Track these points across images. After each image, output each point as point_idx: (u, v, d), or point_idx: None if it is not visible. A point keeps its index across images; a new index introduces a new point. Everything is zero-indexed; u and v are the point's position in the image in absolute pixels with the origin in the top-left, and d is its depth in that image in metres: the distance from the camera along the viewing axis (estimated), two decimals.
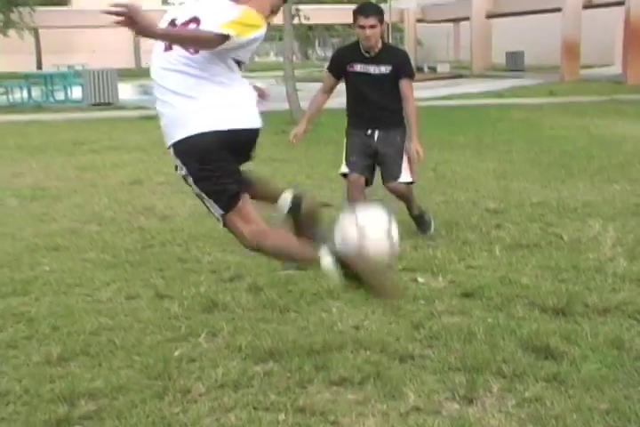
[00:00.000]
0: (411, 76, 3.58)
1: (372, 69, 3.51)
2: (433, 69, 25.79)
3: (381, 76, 3.50)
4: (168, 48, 2.30)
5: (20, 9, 24.20)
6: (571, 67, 19.37)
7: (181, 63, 2.24)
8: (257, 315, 2.71)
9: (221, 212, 2.29)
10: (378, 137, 3.61)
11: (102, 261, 3.46)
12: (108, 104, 13.42)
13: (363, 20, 3.41)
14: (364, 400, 2.06)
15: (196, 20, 2.26)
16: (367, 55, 3.53)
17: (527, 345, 2.36)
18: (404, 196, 3.69)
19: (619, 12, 18.79)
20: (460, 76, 22.69)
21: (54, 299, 2.94)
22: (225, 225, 2.33)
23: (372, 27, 3.41)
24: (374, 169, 3.70)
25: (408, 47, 29.28)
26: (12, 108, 13.51)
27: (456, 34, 31.32)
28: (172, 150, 2.29)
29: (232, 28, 2.13)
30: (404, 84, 3.53)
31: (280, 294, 2.92)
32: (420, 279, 3.09)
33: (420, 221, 3.81)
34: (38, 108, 13.35)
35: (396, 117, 3.60)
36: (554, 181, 5.26)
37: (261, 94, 2.52)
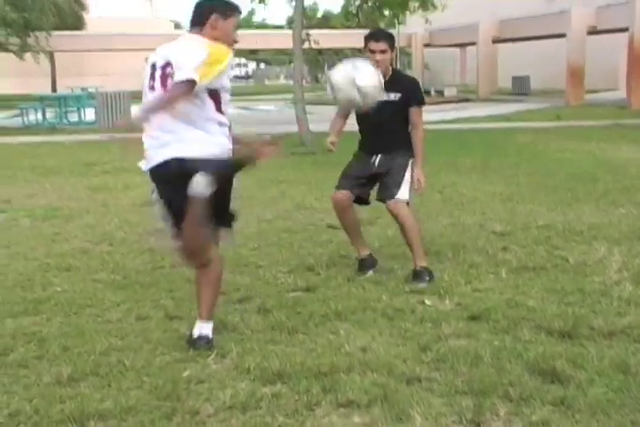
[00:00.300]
0: (420, 103, 3.55)
1: (382, 96, 3.46)
2: (440, 93, 26.03)
3: (391, 103, 3.48)
4: (152, 88, 2.64)
5: (37, 33, 24.81)
6: (576, 91, 19.53)
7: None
8: (265, 336, 2.73)
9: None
10: (379, 161, 3.55)
11: (113, 282, 3.50)
12: None
13: (373, 45, 3.43)
14: (371, 423, 2.07)
15: (169, 64, 2.58)
16: None
17: (534, 368, 2.37)
18: (402, 217, 3.44)
19: (623, 37, 19.00)
20: (467, 100, 22.88)
21: (65, 319, 2.98)
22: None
23: (383, 52, 3.42)
24: (370, 187, 3.61)
25: (415, 71, 29.65)
26: (27, 129, 13.76)
27: (463, 58, 31.66)
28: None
29: (198, 72, 2.49)
30: (413, 111, 3.51)
31: (288, 315, 2.94)
32: (428, 302, 3.11)
33: (414, 273, 3.43)
34: (52, 129, 13.59)
35: (403, 144, 3.54)
36: (560, 204, 5.29)
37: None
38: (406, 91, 3.50)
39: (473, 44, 26.13)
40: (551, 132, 11.69)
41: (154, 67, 2.64)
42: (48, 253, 4.08)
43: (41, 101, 15.39)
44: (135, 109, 2.64)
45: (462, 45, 29.75)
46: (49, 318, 2.98)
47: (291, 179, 6.69)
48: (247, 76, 59.96)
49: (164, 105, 2.53)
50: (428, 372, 2.38)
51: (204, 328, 2.67)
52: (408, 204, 3.50)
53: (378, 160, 3.57)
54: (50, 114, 15.06)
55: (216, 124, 2.65)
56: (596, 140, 10.03)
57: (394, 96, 3.48)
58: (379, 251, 3.99)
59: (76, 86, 21.01)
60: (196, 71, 2.49)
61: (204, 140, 2.62)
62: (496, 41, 25.42)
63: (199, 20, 2.70)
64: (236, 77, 65.75)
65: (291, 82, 13.27)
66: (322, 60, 42.69)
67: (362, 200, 3.64)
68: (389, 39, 3.47)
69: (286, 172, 7.13)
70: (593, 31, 20.17)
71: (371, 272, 3.58)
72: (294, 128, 10.00)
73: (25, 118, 14.70)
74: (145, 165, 2.70)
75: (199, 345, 2.63)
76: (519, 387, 2.23)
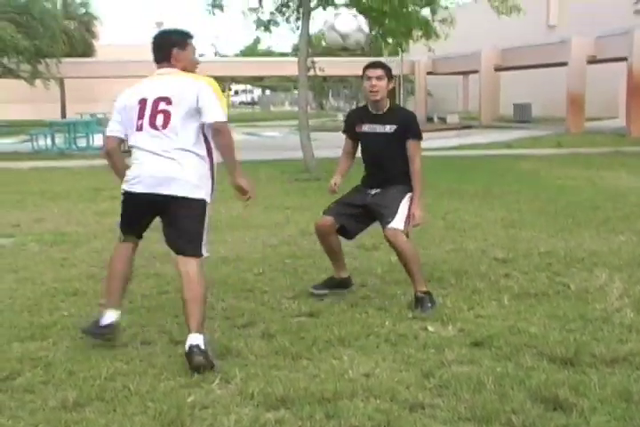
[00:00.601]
0: (418, 136, 3.54)
1: (378, 128, 3.53)
2: (443, 120, 26.30)
3: (386, 135, 3.50)
4: (140, 129, 2.86)
5: (47, 60, 25.34)
6: (576, 119, 19.73)
7: None
8: (269, 362, 2.75)
9: None
10: (375, 193, 3.56)
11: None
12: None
13: (370, 71, 3.50)
14: None
15: (166, 99, 2.80)
16: (374, 113, 3.55)
17: (536, 396, 2.38)
18: (399, 245, 3.41)
19: (622, 66, 19.27)
20: (469, 127, 23.10)
21: (72, 344, 3.01)
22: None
23: (379, 78, 3.47)
24: (361, 223, 3.60)
25: (418, 98, 30.02)
26: (37, 154, 13.96)
27: (465, 86, 32.07)
28: None
29: (223, 112, 2.83)
30: (410, 144, 3.51)
31: (292, 341, 2.97)
32: (430, 328, 3.13)
33: (416, 299, 3.44)
34: (61, 154, 13.79)
35: (401, 179, 3.54)
36: (561, 231, 5.34)
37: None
38: (402, 123, 3.52)
39: (475, 71, 26.50)
40: (552, 159, 11.80)
41: (143, 102, 2.82)
42: (56, 277, 4.12)
43: (50, 127, 15.65)
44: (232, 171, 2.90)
45: (465, 73, 30.16)
46: (55, 343, 3.01)
47: (295, 205, 6.76)
48: (253, 103, 60.73)
49: (232, 148, 2.85)
50: (430, 398, 2.40)
51: (195, 339, 2.69)
52: (407, 235, 3.47)
53: (374, 192, 3.57)
54: (59, 139, 15.28)
55: (205, 159, 2.87)
56: (596, 167, 10.11)
57: (389, 128, 3.51)
58: (381, 276, 4.03)
59: (85, 112, 21.34)
60: (224, 112, 2.82)
61: (202, 180, 2.85)
62: (498, 69, 25.79)
63: (163, 57, 2.94)
64: (242, 103, 66.60)
65: (296, 108, 13.46)
66: (326, 87, 43.29)
67: (347, 233, 3.63)
68: (386, 69, 3.54)
69: (291, 198, 7.21)
70: (593, 60, 20.47)
71: (326, 291, 3.62)
72: (299, 154, 10.11)
73: (35, 144, 14.94)
74: (139, 187, 2.86)
75: (193, 354, 2.63)
76: (522, 414, 2.24)
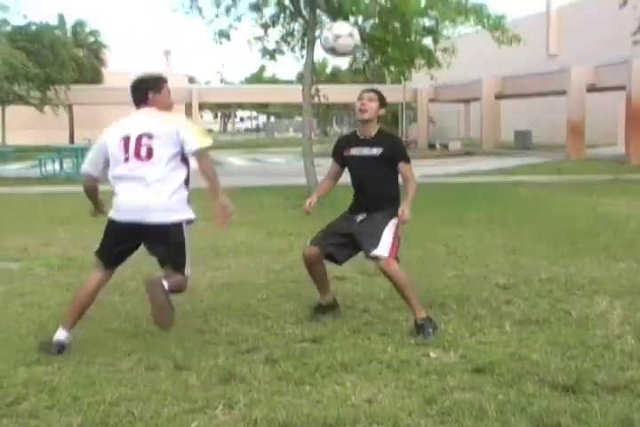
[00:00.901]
0: (406, 159, 3.62)
1: (365, 151, 3.62)
2: (445, 147, 26.56)
3: (373, 157, 3.58)
4: (126, 160, 3.18)
5: (57, 87, 25.81)
6: (576, 146, 19.92)
7: None
8: (272, 387, 2.77)
9: None
10: (361, 219, 3.60)
11: (124, 331, 3.57)
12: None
13: (363, 94, 3.64)
14: None
15: (148, 134, 3.14)
16: (362, 138, 3.64)
17: (538, 423, 2.39)
18: (393, 275, 3.43)
19: (621, 95, 19.53)
20: (471, 154, 23.31)
21: (77, 368, 3.03)
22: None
23: (370, 99, 3.59)
24: (346, 247, 3.62)
25: (421, 125, 30.34)
26: (45, 179, 14.15)
27: (467, 113, 32.46)
28: None
29: (205, 139, 3.15)
30: (402, 166, 3.59)
31: (295, 366, 2.99)
32: (433, 354, 3.15)
33: (417, 326, 3.44)
34: (69, 180, 13.90)
35: (386, 202, 3.59)
36: (561, 258, 5.37)
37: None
38: (388, 147, 3.61)
39: (476, 99, 26.86)
40: (553, 185, 11.89)
41: (127, 140, 3.18)
42: (62, 302, 4.15)
43: (58, 153, 15.86)
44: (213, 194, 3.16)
45: (466, 101, 30.56)
46: (60, 368, 3.03)
47: (298, 231, 6.81)
48: (257, 129, 61.35)
49: (214, 171, 3.15)
50: (433, 425, 2.41)
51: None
52: (397, 260, 3.51)
53: (360, 219, 3.63)
54: (67, 164, 15.45)
55: (184, 186, 3.19)
56: (596, 194, 10.18)
57: (376, 151, 3.61)
58: (384, 302, 4.06)
59: (92, 138, 21.62)
60: (204, 139, 3.15)
61: (179, 204, 3.17)
62: (499, 97, 26.15)
63: (141, 100, 3.28)
64: (247, 130, 67.17)
65: (300, 134, 13.65)
66: (330, 114, 43.81)
67: (335, 260, 3.70)
68: (380, 94, 3.67)
69: (294, 224, 7.26)
70: (592, 89, 20.75)
71: (325, 317, 3.67)
72: (303, 180, 10.22)
73: (43, 169, 15.14)
74: (122, 215, 3.19)
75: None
76: None
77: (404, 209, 3.53)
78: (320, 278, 3.77)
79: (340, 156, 3.78)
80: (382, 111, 3.65)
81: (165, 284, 3.02)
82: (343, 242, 3.63)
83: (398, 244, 3.54)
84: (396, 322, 3.65)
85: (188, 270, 3.22)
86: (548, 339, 3.33)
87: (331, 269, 4.84)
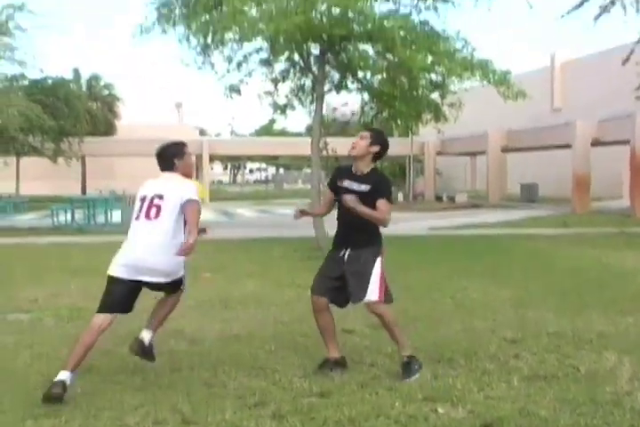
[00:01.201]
0: (388, 198, 3.70)
1: (355, 186, 3.77)
2: (451, 199, 26.76)
3: (360, 193, 3.68)
4: (137, 218, 3.59)
5: (70, 139, 26.51)
6: (582, 199, 20.03)
7: None
8: None
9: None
10: (348, 256, 3.73)
11: (132, 384, 3.58)
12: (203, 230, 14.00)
13: (361, 133, 3.87)
14: None
15: (160, 196, 3.53)
16: (355, 173, 3.79)
17: None
18: (383, 316, 3.69)
19: (625, 148, 19.82)
20: (478, 206, 23.43)
21: (84, 422, 3.04)
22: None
23: (362, 137, 3.80)
24: (342, 292, 3.75)
25: (428, 177, 30.69)
26: (56, 230, 14.28)
27: (473, 165, 32.86)
28: None
29: (197, 196, 3.56)
30: (379, 202, 3.66)
31: (303, 421, 2.98)
32: (440, 409, 3.14)
33: (403, 365, 3.68)
34: (80, 230, 14.09)
35: (370, 239, 3.73)
36: (569, 311, 5.36)
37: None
38: (376, 184, 3.74)
39: (483, 152, 27.27)
40: (559, 238, 11.91)
41: (143, 199, 3.57)
42: (70, 353, 4.18)
43: (70, 203, 16.12)
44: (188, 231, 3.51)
45: (473, 154, 31.03)
46: (68, 421, 3.04)
47: (307, 283, 6.76)
48: (267, 181, 62.10)
49: (197, 216, 3.52)
50: None
51: (148, 336, 3.65)
52: (386, 299, 3.71)
53: (347, 255, 3.76)
54: (78, 215, 15.68)
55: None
56: (602, 247, 10.20)
57: (364, 187, 3.74)
58: (391, 355, 4.05)
59: (104, 189, 22.01)
60: (196, 196, 3.58)
61: (179, 265, 3.60)
62: (505, 150, 26.55)
63: (168, 166, 3.66)
64: (256, 181, 67.97)
65: (308, 186, 13.87)
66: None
67: (337, 303, 3.86)
68: (374, 133, 3.87)
69: (302, 275, 7.29)
70: (597, 143, 21.08)
71: (332, 373, 3.68)
72: (311, 232, 10.31)
73: (55, 219, 15.33)
74: (124, 274, 3.57)
75: (134, 347, 3.67)
76: None
77: (347, 200, 3.64)
78: (327, 328, 3.83)
79: (334, 185, 3.95)
80: (375, 149, 3.79)
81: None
82: (338, 285, 3.78)
83: (385, 282, 3.74)
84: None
85: (185, 284, 3.69)
86: (556, 395, 3.32)
87: (339, 322, 4.86)
